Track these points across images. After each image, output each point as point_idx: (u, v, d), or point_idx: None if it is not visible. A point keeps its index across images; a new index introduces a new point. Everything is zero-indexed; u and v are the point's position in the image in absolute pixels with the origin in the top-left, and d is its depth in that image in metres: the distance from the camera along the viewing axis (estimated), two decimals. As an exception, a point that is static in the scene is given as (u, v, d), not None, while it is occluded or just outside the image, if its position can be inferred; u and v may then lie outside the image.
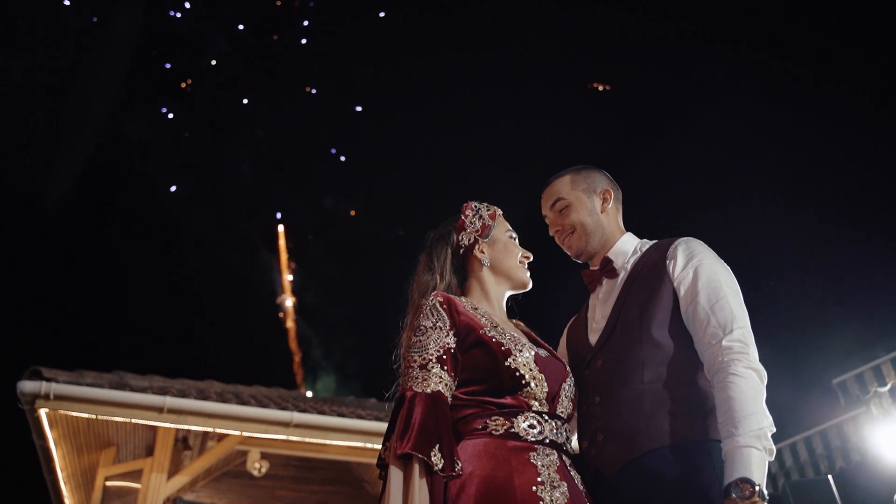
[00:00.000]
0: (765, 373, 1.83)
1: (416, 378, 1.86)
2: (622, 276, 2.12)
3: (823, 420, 9.64)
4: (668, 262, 2.02)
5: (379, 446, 1.94)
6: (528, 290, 2.21)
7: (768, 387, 1.84)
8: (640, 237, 2.23)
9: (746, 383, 1.78)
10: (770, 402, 1.81)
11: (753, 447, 1.70)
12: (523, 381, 1.88)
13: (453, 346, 1.92)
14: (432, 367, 1.86)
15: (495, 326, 1.98)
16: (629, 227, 2.28)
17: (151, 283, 25.03)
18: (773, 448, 1.74)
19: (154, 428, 6.65)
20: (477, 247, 2.17)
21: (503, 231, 2.22)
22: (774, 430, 1.76)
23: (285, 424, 6.45)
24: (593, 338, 2.09)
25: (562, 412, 1.94)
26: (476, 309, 2.04)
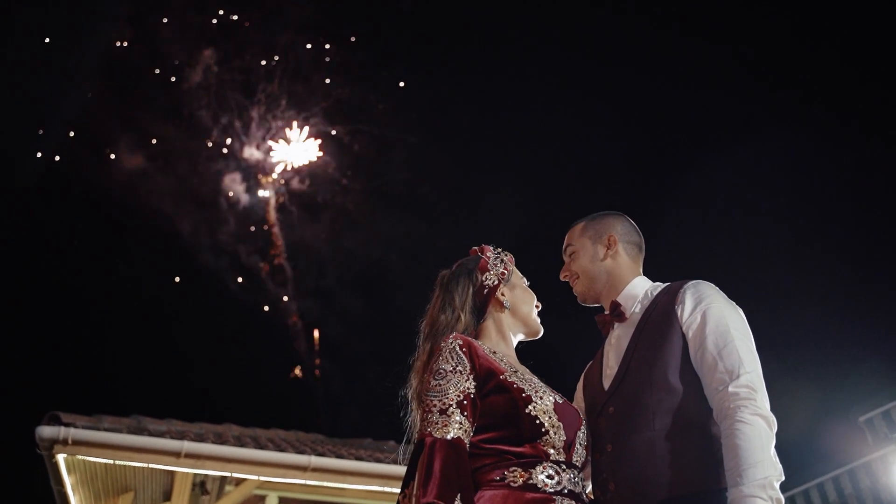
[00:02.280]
0: (773, 419, 1.80)
1: (436, 423, 1.82)
2: (633, 320, 2.10)
3: (851, 459, 9.41)
4: (677, 306, 2.00)
5: (398, 490, 1.90)
6: (538, 338, 2.21)
7: (794, 426, 1.81)
8: (668, 278, 2.20)
9: (753, 431, 1.75)
10: (796, 441, 1.79)
11: (758, 497, 1.67)
12: (542, 430, 1.85)
13: (473, 391, 1.88)
14: (452, 413, 1.83)
15: (515, 371, 1.95)
16: (655, 267, 2.26)
17: (169, 325, 25.15)
18: (781, 497, 1.71)
19: (172, 473, 6.62)
20: (499, 289, 2.16)
21: (519, 277, 2.23)
22: (783, 478, 1.73)
23: (303, 468, 6.41)
24: (606, 383, 2.07)
25: (577, 461, 1.91)
26: (495, 353, 2.01)
